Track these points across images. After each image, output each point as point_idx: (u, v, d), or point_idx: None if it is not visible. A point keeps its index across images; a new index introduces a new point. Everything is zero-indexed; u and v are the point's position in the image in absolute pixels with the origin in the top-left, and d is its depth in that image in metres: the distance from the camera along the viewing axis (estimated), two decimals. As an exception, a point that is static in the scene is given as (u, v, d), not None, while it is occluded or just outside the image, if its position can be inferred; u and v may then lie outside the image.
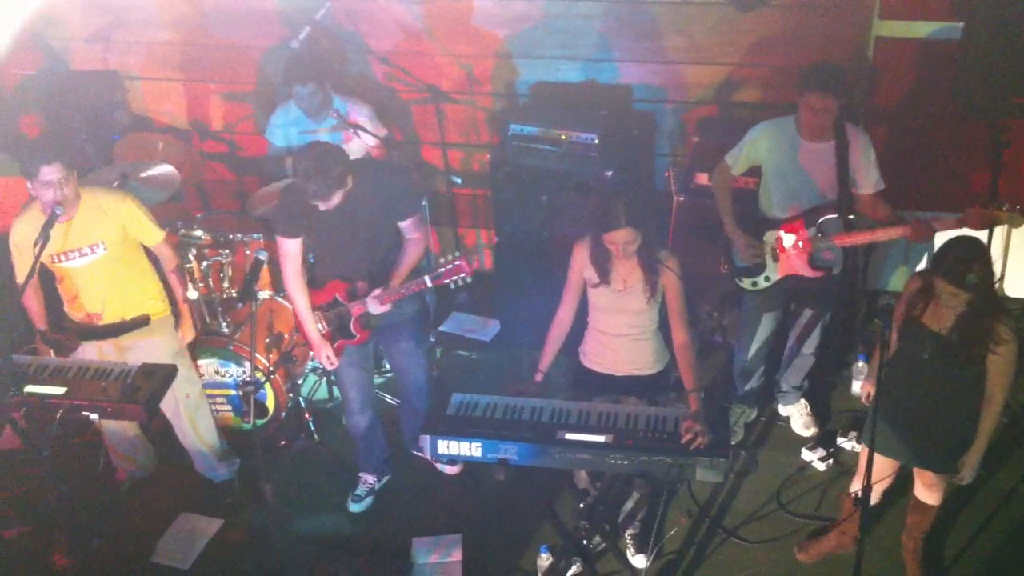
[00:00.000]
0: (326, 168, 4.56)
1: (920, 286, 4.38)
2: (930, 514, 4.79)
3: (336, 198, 4.67)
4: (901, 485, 4.87)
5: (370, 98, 6.48)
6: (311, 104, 6.05)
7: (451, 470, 5.69)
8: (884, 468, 4.72)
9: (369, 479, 5.67)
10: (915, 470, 4.66)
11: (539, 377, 4.85)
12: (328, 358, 5.15)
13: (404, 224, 4.98)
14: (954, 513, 5.23)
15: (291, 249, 5.00)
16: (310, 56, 6.22)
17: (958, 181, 6.32)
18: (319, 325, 5.11)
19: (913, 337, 4.38)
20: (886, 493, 4.90)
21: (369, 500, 5.65)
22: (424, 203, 6.31)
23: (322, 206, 4.68)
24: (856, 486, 4.88)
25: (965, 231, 4.71)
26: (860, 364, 6.07)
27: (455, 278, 4.79)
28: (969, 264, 4.11)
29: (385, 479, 5.73)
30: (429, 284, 4.85)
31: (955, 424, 4.43)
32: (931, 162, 6.37)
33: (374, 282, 4.98)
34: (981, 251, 4.23)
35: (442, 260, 4.79)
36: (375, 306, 4.94)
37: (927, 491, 4.73)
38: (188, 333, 5.52)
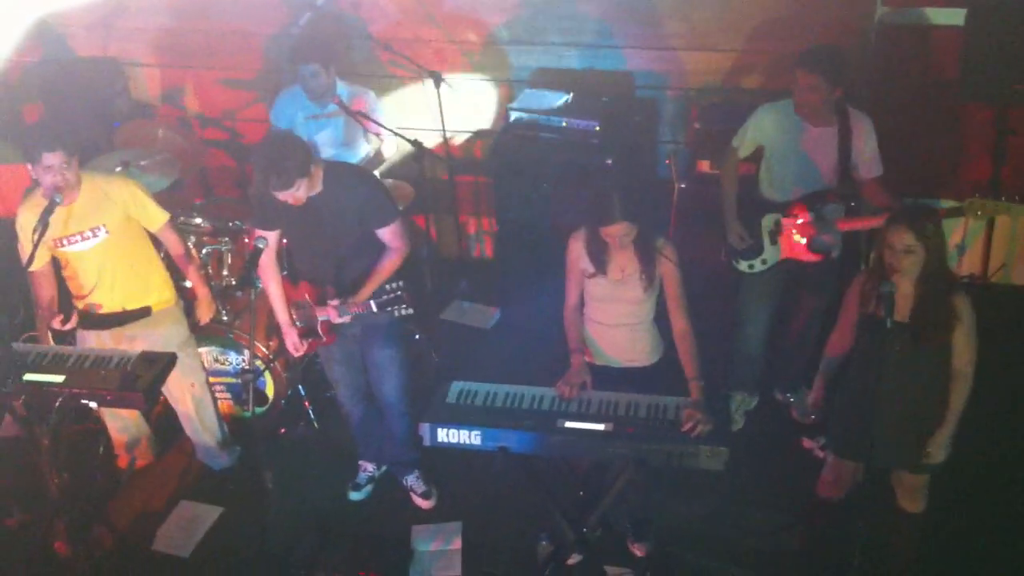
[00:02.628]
0: (278, 160, 4.48)
1: (868, 282, 4.33)
2: (917, 522, 4.69)
3: (299, 191, 4.56)
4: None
5: (372, 84, 6.46)
6: (315, 85, 6.04)
7: (425, 505, 5.55)
8: (851, 471, 4.70)
9: (368, 467, 5.66)
10: (894, 478, 4.56)
11: (577, 357, 4.71)
12: (293, 345, 5.12)
13: (381, 233, 4.83)
14: (951, 519, 5.17)
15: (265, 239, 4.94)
16: (314, 37, 6.20)
17: (960, 169, 6.31)
18: (295, 342, 5.11)
19: (876, 335, 4.29)
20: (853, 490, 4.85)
21: (369, 488, 5.65)
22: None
23: (281, 196, 4.57)
24: (824, 487, 4.83)
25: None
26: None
27: (397, 308, 4.69)
28: (921, 213, 4.16)
29: (384, 467, 5.72)
30: (375, 309, 4.74)
31: (927, 413, 4.33)
32: (933, 149, 6.35)
33: (341, 289, 4.88)
34: (932, 211, 4.28)
35: (387, 287, 4.69)
36: (333, 315, 4.86)
37: (910, 498, 4.63)
38: (204, 315, 5.52)
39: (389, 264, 4.86)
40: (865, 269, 4.44)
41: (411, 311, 4.70)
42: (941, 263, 4.17)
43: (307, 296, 4.97)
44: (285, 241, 5.25)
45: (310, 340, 5.09)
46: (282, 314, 5.11)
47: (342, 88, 6.15)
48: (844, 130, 5.09)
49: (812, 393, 4.80)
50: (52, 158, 4.77)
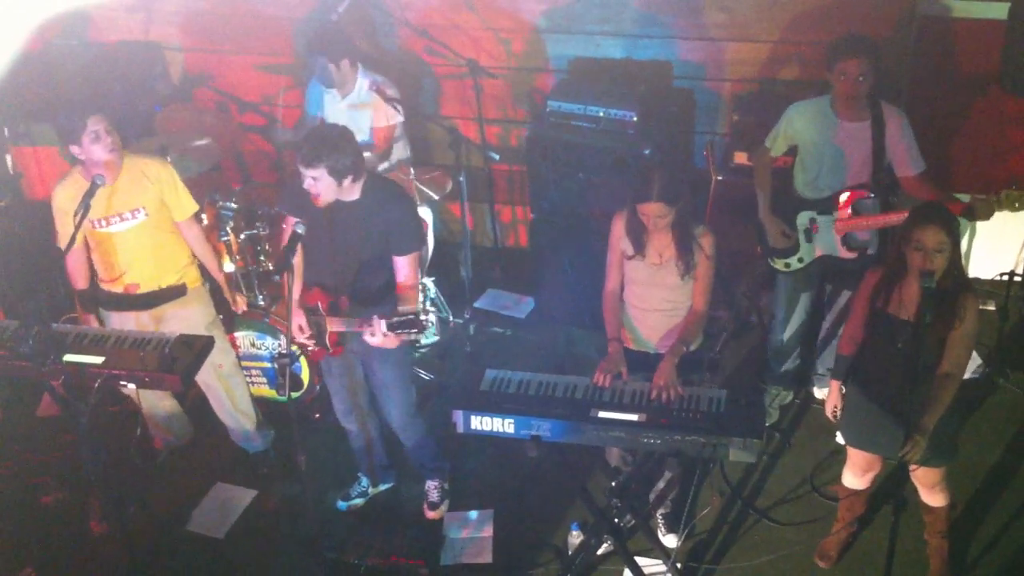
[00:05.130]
0: (324, 139, 4.44)
1: (879, 278, 4.31)
2: (942, 515, 4.71)
3: (320, 182, 4.48)
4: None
5: (409, 72, 6.45)
6: (324, 78, 6.05)
7: (429, 514, 5.45)
8: (870, 461, 4.74)
9: (364, 480, 5.61)
10: (912, 477, 4.52)
11: (615, 345, 4.71)
12: (299, 326, 4.81)
13: (397, 260, 4.71)
14: (980, 510, 5.19)
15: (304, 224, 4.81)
16: (329, 31, 6.19)
17: (999, 163, 6.25)
18: (301, 324, 4.86)
19: (883, 329, 4.31)
20: (881, 480, 4.92)
21: (358, 501, 5.58)
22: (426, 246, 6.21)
23: (307, 174, 4.46)
24: (848, 478, 4.88)
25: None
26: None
27: (408, 331, 4.40)
28: (947, 210, 4.14)
29: (382, 487, 5.66)
30: (385, 330, 4.39)
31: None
32: (972, 143, 6.30)
33: (356, 302, 4.77)
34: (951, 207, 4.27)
35: (401, 308, 4.49)
36: (376, 335, 4.44)
37: (929, 493, 4.65)
38: (239, 302, 5.59)
39: (411, 301, 4.71)
40: (880, 266, 4.38)
41: (420, 336, 4.53)
42: (958, 260, 4.15)
43: (319, 304, 4.83)
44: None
45: (316, 348, 4.95)
46: (294, 297, 4.84)
47: (362, 74, 6.15)
48: (877, 124, 5.04)
49: (829, 399, 4.78)
50: (97, 122, 4.76)
